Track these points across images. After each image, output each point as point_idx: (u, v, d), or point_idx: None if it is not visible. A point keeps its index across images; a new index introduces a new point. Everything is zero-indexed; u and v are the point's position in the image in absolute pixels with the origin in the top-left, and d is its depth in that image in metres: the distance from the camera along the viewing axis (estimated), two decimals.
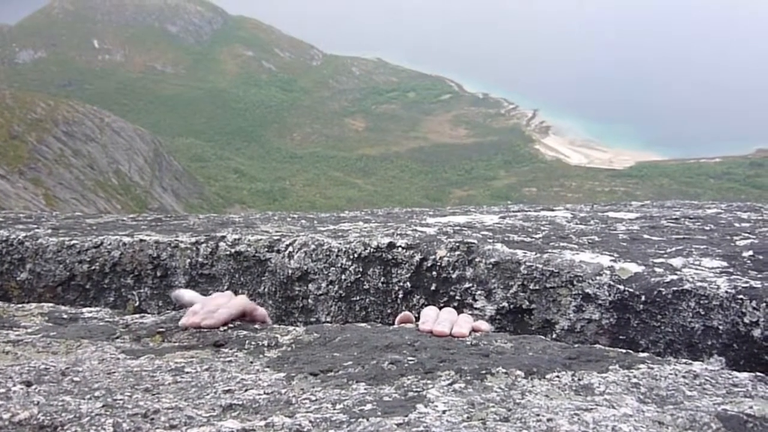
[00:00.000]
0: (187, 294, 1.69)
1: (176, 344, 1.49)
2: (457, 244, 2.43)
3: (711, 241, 2.52)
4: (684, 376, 1.30)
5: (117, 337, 1.54)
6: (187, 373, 1.32)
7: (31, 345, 1.47)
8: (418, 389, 1.21)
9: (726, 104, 68.49)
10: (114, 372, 1.31)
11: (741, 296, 2.01)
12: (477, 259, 2.38)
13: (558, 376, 1.28)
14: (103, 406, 1.15)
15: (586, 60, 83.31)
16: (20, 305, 1.82)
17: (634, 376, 1.29)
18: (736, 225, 2.82)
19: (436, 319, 1.56)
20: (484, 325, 1.60)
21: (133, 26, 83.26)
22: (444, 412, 1.11)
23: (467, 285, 2.37)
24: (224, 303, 1.64)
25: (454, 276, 2.38)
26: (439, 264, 2.40)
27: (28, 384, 1.23)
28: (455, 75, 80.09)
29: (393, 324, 1.70)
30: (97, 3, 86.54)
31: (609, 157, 62.80)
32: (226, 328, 1.56)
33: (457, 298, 2.37)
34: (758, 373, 1.33)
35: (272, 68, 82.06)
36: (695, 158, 60.07)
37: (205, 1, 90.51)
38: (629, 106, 69.89)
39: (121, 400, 1.18)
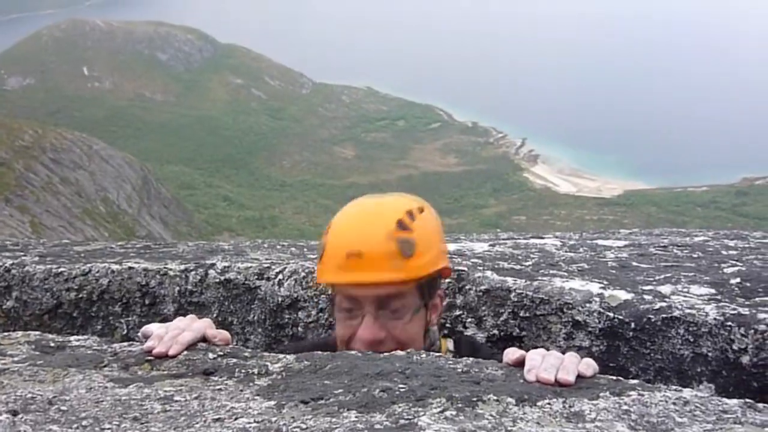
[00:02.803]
0: (154, 327, 1.68)
1: (165, 372, 1.48)
2: None
3: (699, 268, 2.54)
4: (674, 403, 1.30)
5: (105, 366, 1.52)
6: (177, 401, 1.31)
7: (18, 374, 1.45)
8: (410, 417, 1.20)
9: (712, 132, 69.23)
10: (102, 401, 1.30)
11: (729, 323, 2.02)
12: (467, 287, 2.38)
13: (549, 404, 1.28)
14: None
15: (574, 90, 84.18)
16: (6, 333, 1.80)
17: (625, 403, 1.29)
18: (724, 253, 2.84)
19: (541, 364, 1.44)
20: (589, 369, 1.46)
21: (122, 54, 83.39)
22: None
23: (458, 312, 2.38)
24: (187, 326, 1.65)
25: (444, 303, 2.38)
26: None
27: (15, 413, 1.22)
28: (445, 104, 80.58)
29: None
30: (86, 30, 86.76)
31: (597, 186, 63.12)
32: (215, 355, 1.56)
33: (448, 325, 2.37)
34: (747, 400, 1.34)
35: (262, 96, 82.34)
36: (682, 187, 60.43)
37: (195, 29, 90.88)
38: (617, 135, 70.50)
39: (109, 429, 1.17)
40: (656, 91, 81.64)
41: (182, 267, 2.72)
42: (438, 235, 1.95)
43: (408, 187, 62.24)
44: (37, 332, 1.82)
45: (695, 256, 2.77)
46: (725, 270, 2.49)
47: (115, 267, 2.77)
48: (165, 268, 2.73)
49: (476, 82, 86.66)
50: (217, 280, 2.66)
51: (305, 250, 3.12)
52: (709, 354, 2.03)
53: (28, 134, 33.27)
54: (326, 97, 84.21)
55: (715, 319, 2.04)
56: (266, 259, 2.78)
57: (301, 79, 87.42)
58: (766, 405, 1.32)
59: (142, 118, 73.26)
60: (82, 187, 32.81)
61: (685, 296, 2.20)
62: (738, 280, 2.35)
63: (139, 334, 1.70)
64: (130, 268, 2.75)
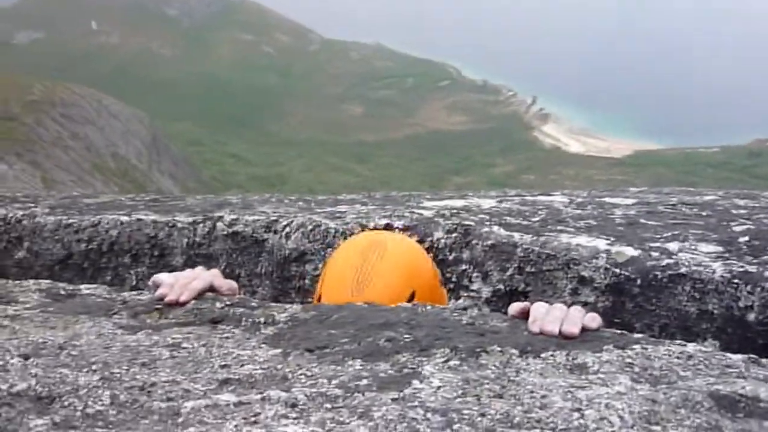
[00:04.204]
0: (164, 276, 1.69)
1: (173, 321, 1.50)
2: (455, 226, 2.44)
3: (707, 226, 2.53)
4: (678, 357, 1.30)
5: (115, 313, 1.54)
6: (184, 348, 1.33)
7: (29, 320, 1.47)
8: (414, 366, 1.22)
9: (724, 93, 68.50)
10: (111, 346, 1.32)
11: (736, 280, 2.02)
12: (474, 242, 2.39)
13: (552, 355, 1.29)
14: (100, 378, 1.15)
15: (585, 48, 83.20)
16: (18, 282, 1.82)
17: (628, 356, 1.30)
18: (733, 212, 2.82)
19: (546, 317, 1.45)
20: (594, 322, 1.46)
21: (130, 8, 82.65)
22: (439, 388, 1.12)
23: (464, 267, 2.39)
24: (196, 275, 1.67)
25: (450, 258, 2.39)
26: (436, 246, 2.40)
27: (26, 357, 1.24)
28: (455, 61, 79.87)
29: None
30: None
31: (607, 146, 62.69)
32: (222, 305, 1.57)
33: (454, 280, 2.38)
34: (752, 355, 1.34)
35: (270, 52, 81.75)
36: (693, 147, 59.92)
37: None
38: (628, 95, 69.88)
39: (118, 373, 1.18)
40: (670, 51, 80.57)
41: (190, 219, 2.74)
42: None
43: (416, 145, 62.07)
44: (49, 281, 1.84)
45: (704, 214, 2.76)
46: (734, 228, 2.48)
47: (124, 219, 2.78)
48: (174, 220, 2.74)
49: (487, 39, 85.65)
50: (225, 233, 2.68)
51: (313, 204, 3.12)
52: (715, 311, 2.03)
53: (37, 89, 33.17)
54: (335, 53, 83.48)
55: (721, 276, 2.04)
56: (274, 213, 2.78)
57: (309, 35, 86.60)
58: None
59: (149, 73, 72.88)
60: (92, 142, 32.81)
61: (692, 254, 2.20)
62: (747, 238, 2.34)
63: (149, 282, 1.71)
64: (138, 220, 2.77)
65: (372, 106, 71.82)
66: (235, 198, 3.40)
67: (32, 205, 3.13)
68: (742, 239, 2.34)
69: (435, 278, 1.90)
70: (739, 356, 1.33)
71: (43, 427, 0.97)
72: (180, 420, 1.01)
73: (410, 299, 1.73)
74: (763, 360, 1.32)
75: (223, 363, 1.25)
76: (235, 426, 0.97)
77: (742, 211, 2.82)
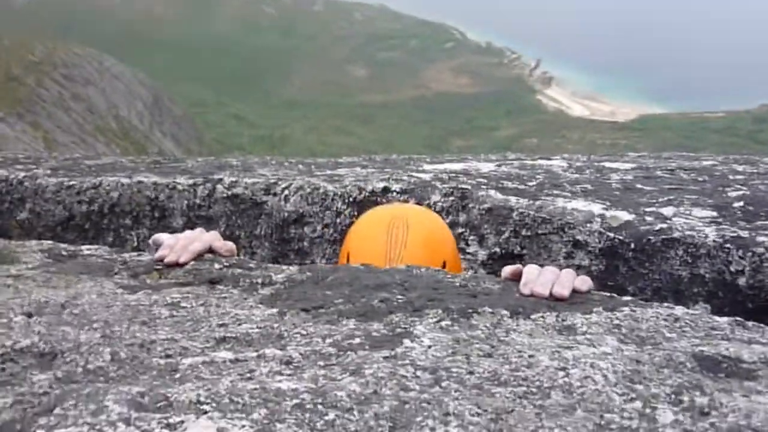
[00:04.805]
0: (165, 237, 1.72)
1: (173, 281, 1.53)
2: (451, 189, 2.47)
3: (703, 191, 2.55)
4: (665, 319, 1.33)
5: (115, 274, 1.58)
6: (183, 307, 1.36)
7: (32, 279, 1.51)
8: (406, 326, 1.25)
9: (730, 58, 67.86)
10: (112, 306, 1.35)
11: (728, 245, 2.04)
12: (470, 205, 2.41)
13: (542, 317, 1.32)
14: (101, 336, 1.19)
15: (590, 10, 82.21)
16: (21, 242, 1.85)
17: (617, 318, 1.32)
18: (730, 177, 2.84)
19: (537, 279, 1.46)
20: (584, 285, 1.48)
21: None
22: (430, 347, 1.15)
23: (460, 230, 2.41)
24: (196, 237, 1.70)
25: (447, 221, 2.42)
26: (433, 209, 2.43)
27: (29, 315, 1.27)
28: (458, 22, 79.11)
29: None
30: None
31: (611, 110, 62.35)
32: (221, 266, 1.60)
33: None
34: (737, 318, 1.37)
35: (273, 12, 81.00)
36: (699, 112, 59.48)
37: None
38: (633, 59, 69.25)
39: (118, 331, 1.22)
40: (676, 14, 79.63)
41: (191, 181, 2.76)
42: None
43: (420, 107, 61.70)
44: (50, 241, 1.87)
45: (701, 179, 2.78)
46: (729, 194, 2.50)
47: (125, 181, 2.81)
48: (174, 182, 2.77)
49: (491, 0, 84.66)
50: (225, 195, 2.70)
51: (312, 167, 3.14)
52: (707, 275, 2.06)
53: (38, 49, 32.93)
54: (338, 14, 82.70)
55: (714, 241, 2.06)
56: (273, 175, 2.81)
57: None
58: (755, 323, 1.35)
59: (152, 34, 72.20)
60: (94, 103, 32.63)
61: (686, 218, 2.22)
62: (741, 203, 2.36)
63: (149, 241, 1.74)
64: (139, 182, 2.79)
65: (377, 68, 71.30)
66: (235, 160, 3.41)
67: (34, 166, 3.15)
68: (736, 204, 2.36)
69: (455, 245, 1.92)
70: (725, 319, 1.36)
71: (45, 381, 1.00)
72: (177, 376, 1.05)
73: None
74: (749, 323, 1.35)
75: (220, 322, 1.28)
76: (231, 381, 1.00)
77: (739, 177, 2.84)
